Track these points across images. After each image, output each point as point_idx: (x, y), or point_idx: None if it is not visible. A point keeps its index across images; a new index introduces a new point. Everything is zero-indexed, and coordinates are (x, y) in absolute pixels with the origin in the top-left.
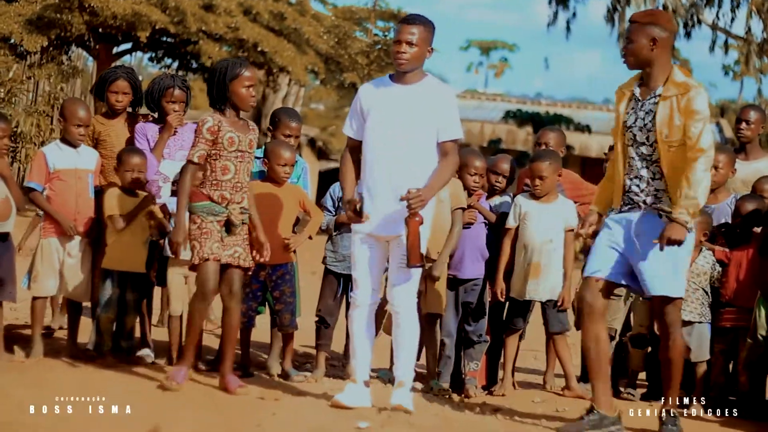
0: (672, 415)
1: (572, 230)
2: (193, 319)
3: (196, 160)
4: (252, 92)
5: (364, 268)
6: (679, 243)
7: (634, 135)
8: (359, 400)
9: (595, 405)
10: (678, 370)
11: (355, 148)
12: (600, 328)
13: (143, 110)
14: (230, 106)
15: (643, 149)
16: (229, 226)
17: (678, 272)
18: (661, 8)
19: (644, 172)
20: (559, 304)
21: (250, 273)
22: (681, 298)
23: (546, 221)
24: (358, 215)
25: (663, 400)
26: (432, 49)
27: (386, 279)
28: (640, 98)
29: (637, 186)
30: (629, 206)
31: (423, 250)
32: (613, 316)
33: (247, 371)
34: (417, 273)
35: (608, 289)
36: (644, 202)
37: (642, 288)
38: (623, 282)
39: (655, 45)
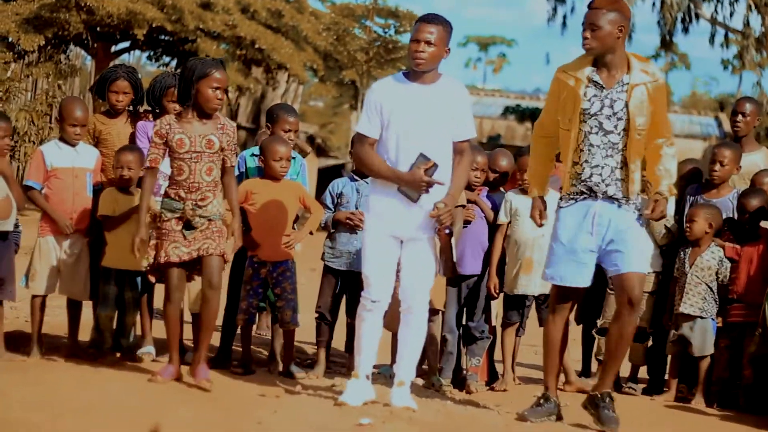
0: (610, 398)
1: None
2: (167, 321)
3: (148, 164)
4: (218, 95)
5: (377, 267)
6: (663, 216)
7: (600, 123)
8: (364, 395)
9: (549, 393)
10: (625, 348)
11: (372, 147)
12: (563, 329)
13: (146, 106)
14: (193, 106)
15: (611, 137)
16: (188, 224)
17: (645, 249)
18: (659, 4)
19: (609, 161)
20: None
21: (226, 261)
22: (645, 274)
23: None
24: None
25: (599, 380)
26: (449, 49)
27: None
28: (604, 86)
29: (599, 175)
30: (584, 195)
31: (455, 259)
32: (612, 311)
33: (249, 368)
34: (431, 277)
35: (575, 291)
36: (604, 192)
37: (612, 271)
38: (579, 286)
39: (621, 33)
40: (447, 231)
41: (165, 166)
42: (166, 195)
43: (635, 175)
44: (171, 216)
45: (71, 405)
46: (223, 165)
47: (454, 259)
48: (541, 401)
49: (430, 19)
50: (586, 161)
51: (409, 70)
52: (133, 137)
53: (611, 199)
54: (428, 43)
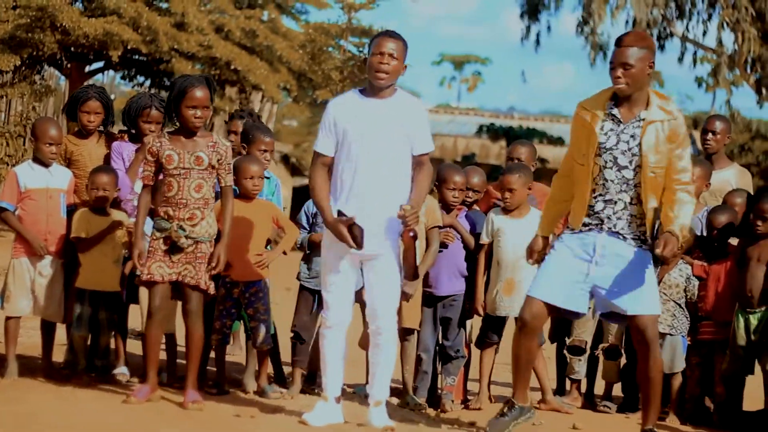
0: None
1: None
2: (147, 342)
3: (143, 182)
4: (197, 114)
5: (336, 288)
6: (672, 256)
7: (615, 158)
8: (329, 417)
9: (514, 400)
10: (658, 387)
11: (326, 166)
12: (533, 344)
13: (120, 127)
14: (179, 123)
15: (625, 173)
16: (174, 246)
17: (653, 289)
18: (631, 22)
19: (623, 196)
20: None
21: (211, 293)
22: (657, 315)
23: (518, 237)
24: (358, 236)
25: (643, 419)
26: (406, 66)
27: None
28: (621, 120)
29: (612, 209)
30: (591, 228)
31: (417, 263)
32: (582, 329)
33: (222, 389)
34: (398, 294)
35: (550, 311)
36: (614, 226)
37: (624, 309)
38: (566, 307)
39: (651, 68)
40: (411, 234)
41: (139, 187)
42: (156, 214)
43: (650, 215)
44: (160, 235)
45: (52, 424)
46: (219, 185)
47: (417, 263)
48: (505, 410)
49: (392, 34)
50: (600, 195)
51: (365, 87)
52: (106, 158)
53: (617, 234)
54: (391, 56)
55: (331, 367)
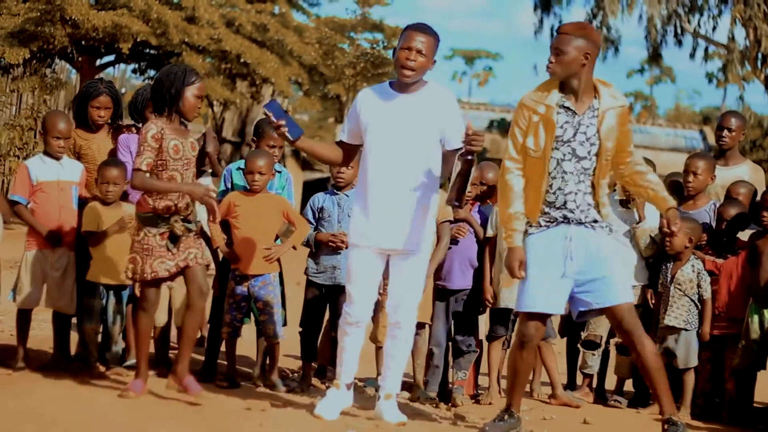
0: (674, 422)
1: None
2: (139, 334)
3: (144, 168)
4: (199, 104)
5: (361, 282)
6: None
7: (574, 149)
8: (341, 403)
9: (513, 409)
10: (659, 372)
11: (341, 148)
12: (534, 357)
13: (127, 121)
14: (176, 112)
15: (584, 163)
16: (174, 238)
17: (624, 277)
18: (642, 18)
19: (580, 186)
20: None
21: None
22: (631, 302)
23: None
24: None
25: (660, 410)
26: (435, 61)
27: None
28: (576, 111)
29: (573, 202)
30: (557, 222)
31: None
32: (598, 323)
33: (234, 382)
34: (421, 290)
35: (545, 320)
36: (582, 217)
37: (591, 305)
38: (554, 313)
39: (587, 59)
40: (470, 157)
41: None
42: (147, 207)
43: (604, 199)
44: (155, 232)
45: (59, 418)
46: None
47: (465, 194)
48: (505, 416)
49: (422, 28)
50: (560, 188)
51: (396, 80)
52: (112, 152)
53: (585, 224)
54: (419, 52)
55: (348, 359)
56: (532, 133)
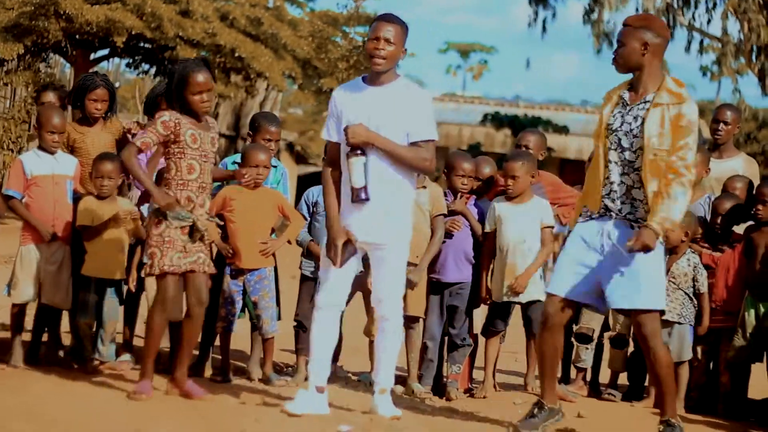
0: (670, 424)
1: (549, 227)
2: (152, 332)
3: (138, 144)
4: (204, 98)
5: (332, 273)
6: (648, 250)
7: (619, 139)
8: (311, 407)
9: (544, 401)
10: (667, 379)
11: (334, 159)
12: (558, 339)
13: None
14: (186, 109)
15: (627, 155)
16: (192, 233)
17: (654, 284)
18: (638, 11)
19: (625, 179)
20: (512, 285)
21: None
22: (658, 311)
23: (519, 222)
24: (345, 256)
25: (661, 411)
26: (405, 50)
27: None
28: (628, 102)
29: (615, 192)
30: (601, 214)
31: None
32: (590, 317)
33: (227, 376)
34: (403, 281)
35: (571, 305)
36: (619, 210)
37: (611, 302)
38: (587, 301)
39: (646, 50)
40: (359, 152)
41: None
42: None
43: (650, 199)
44: (177, 225)
45: (58, 416)
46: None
47: (363, 193)
48: (535, 410)
49: (389, 18)
50: (607, 178)
51: (369, 74)
52: (118, 144)
53: (626, 220)
54: (387, 41)
55: (319, 353)
56: (598, 124)
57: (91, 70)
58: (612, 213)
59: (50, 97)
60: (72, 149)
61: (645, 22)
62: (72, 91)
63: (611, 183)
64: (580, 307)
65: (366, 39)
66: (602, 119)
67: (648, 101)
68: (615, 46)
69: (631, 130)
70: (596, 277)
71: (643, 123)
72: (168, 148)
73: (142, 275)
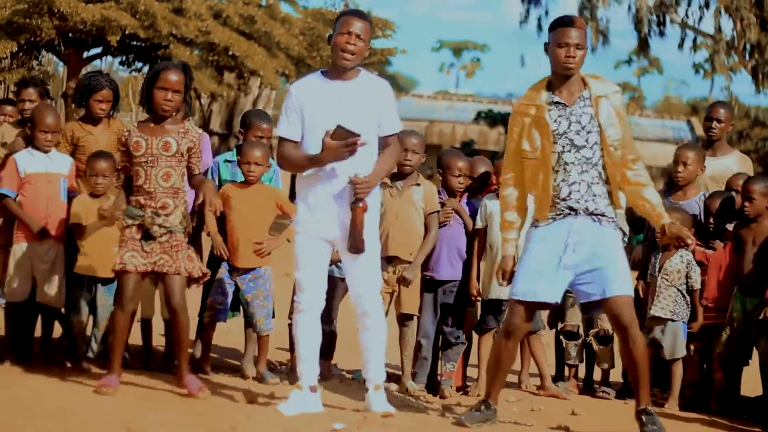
0: (649, 412)
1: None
2: (113, 329)
3: (123, 172)
4: (167, 96)
5: (309, 270)
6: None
7: (572, 140)
8: (305, 407)
9: (490, 400)
10: (645, 367)
11: (291, 156)
12: (516, 349)
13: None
14: (149, 111)
15: (584, 152)
16: (148, 235)
17: (625, 270)
18: (630, 9)
19: (585, 177)
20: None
21: (195, 276)
22: (631, 296)
23: None
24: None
25: (636, 401)
26: (371, 47)
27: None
28: (566, 104)
29: (577, 192)
30: (563, 214)
31: (367, 237)
32: (573, 314)
33: (203, 369)
34: (378, 274)
35: (534, 312)
36: (586, 209)
37: (588, 296)
38: (547, 302)
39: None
40: (360, 204)
41: None
42: (129, 202)
43: (615, 190)
44: (132, 222)
45: (52, 408)
46: (190, 173)
47: (363, 237)
48: (482, 407)
49: (360, 14)
50: (563, 180)
51: (328, 69)
52: (113, 144)
53: (592, 215)
54: (358, 36)
55: (306, 354)
56: (526, 137)
57: (84, 69)
58: (577, 211)
59: (31, 92)
60: (75, 147)
61: (585, 26)
62: (76, 90)
63: (570, 184)
64: (564, 305)
65: (332, 33)
66: (541, 128)
67: (587, 97)
68: (567, 45)
69: (584, 128)
70: (564, 275)
71: (593, 118)
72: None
73: (95, 275)
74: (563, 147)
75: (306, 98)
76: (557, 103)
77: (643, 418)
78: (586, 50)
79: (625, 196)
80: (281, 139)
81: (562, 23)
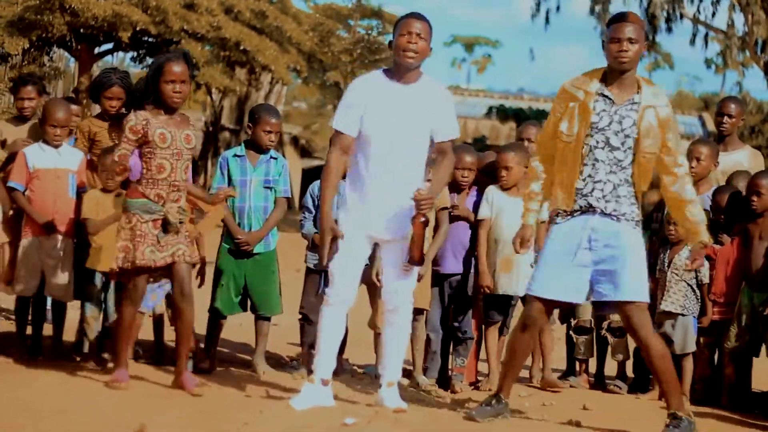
0: (676, 417)
1: (543, 222)
2: (121, 325)
3: (116, 159)
4: (176, 88)
5: (345, 265)
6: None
7: (608, 138)
8: (317, 401)
9: (502, 395)
10: (668, 372)
11: (345, 150)
12: (534, 341)
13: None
14: (157, 104)
15: (617, 154)
16: (165, 227)
17: (640, 276)
18: (641, 3)
19: (611, 177)
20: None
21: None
22: (645, 302)
23: (515, 215)
24: (333, 253)
25: (667, 404)
26: (431, 48)
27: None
28: (614, 101)
29: (600, 191)
30: (582, 211)
31: (425, 250)
32: (585, 309)
33: (213, 364)
34: (415, 274)
35: (552, 307)
36: (605, 208)
37: (600, 296)
38: (571, 301)
39: (644, 49)
40: (423, 219)
41: None
42: (139, 194)
43: (640, 196)
44: (148, 218)
45: (53, 407)
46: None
47: (424, 251)
48: (492, 401)
49: (418, 15)
50: (590, 176)
51: (391, 68)
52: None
53: (610, 215)
54: (419, 36)
55: (325, 348)
56: (567, 119)
57: (96, 65)
58: (596, 209)
59: (29, 90)
60: (92, 142)
61: (643, 22)
62: (90, 86)
63: (596, 182)
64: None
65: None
66: (583, 115)
67: (636, 102)
68: (619, 40)
69: (623, 130)
70: (583, 273)
71: (634, 123)
72: (140, 149)
73: (107, 270)
74: (597, 142)
75: (366, 95)
76: (606, 96)
77: (669, 421)
78: (641, 45)
79: (667, 202)
80: (337, 133)
81: (615, 19)
